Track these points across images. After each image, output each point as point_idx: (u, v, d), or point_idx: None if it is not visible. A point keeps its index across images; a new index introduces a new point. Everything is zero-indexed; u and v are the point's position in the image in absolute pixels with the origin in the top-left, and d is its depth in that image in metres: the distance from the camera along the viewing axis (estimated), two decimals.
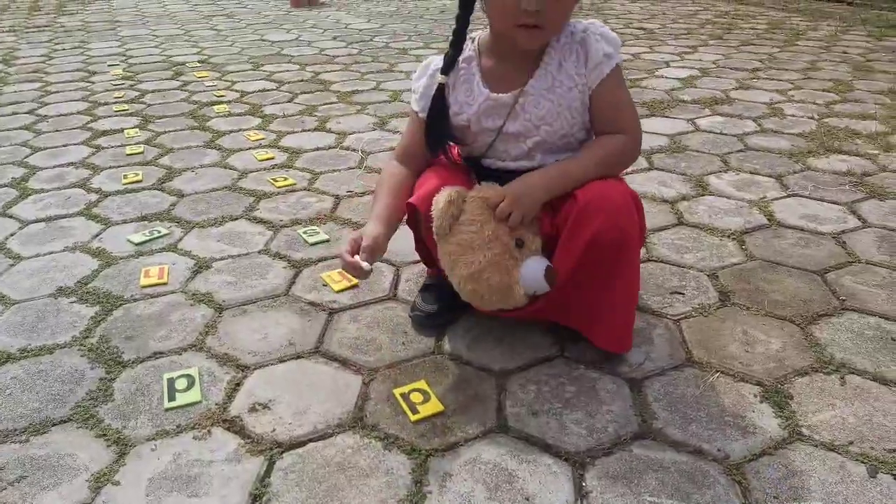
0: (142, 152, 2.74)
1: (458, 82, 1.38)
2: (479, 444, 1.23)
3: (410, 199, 1.37)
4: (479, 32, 1.42)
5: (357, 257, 1.30)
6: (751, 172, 2.42)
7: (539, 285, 1.30)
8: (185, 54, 4.56)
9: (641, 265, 1.80)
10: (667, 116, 3.06)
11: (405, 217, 1.43)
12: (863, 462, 1.18)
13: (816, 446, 1.21)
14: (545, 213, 1.35)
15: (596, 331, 1.42)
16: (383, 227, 1.36)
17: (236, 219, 2.15)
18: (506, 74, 1.33)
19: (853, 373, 1.40)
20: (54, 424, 1.30)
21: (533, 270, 1.29)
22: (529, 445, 1.23)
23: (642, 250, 1.88)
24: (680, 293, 1.68)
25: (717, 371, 1.41)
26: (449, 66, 1.36)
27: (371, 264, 1.30)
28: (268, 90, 3.67)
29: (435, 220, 1.30)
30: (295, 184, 2.40)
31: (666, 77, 3.73)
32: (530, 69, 1.32)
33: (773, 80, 3.64)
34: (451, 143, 1.46)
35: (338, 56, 4.47)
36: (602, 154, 1.34)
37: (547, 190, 1.31)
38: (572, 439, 1.24)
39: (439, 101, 1.37)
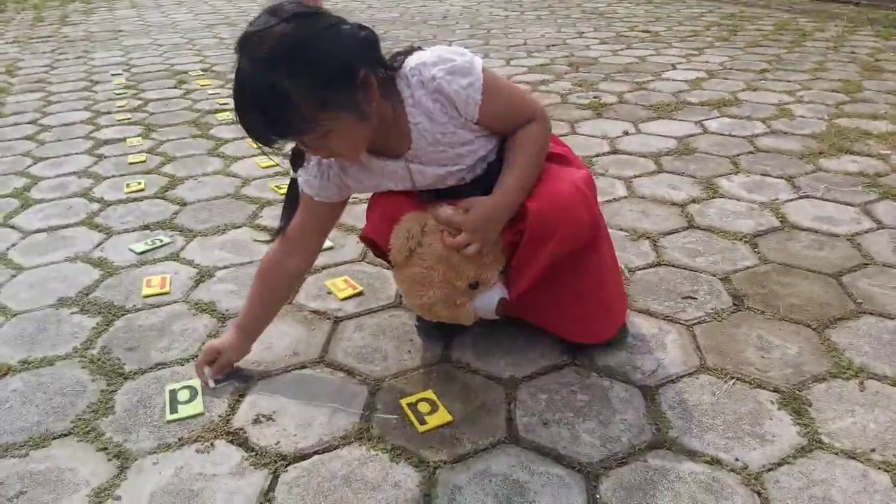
0: (144, 161, 2.72)
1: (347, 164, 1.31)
2: (488, 455, 1.20)
3: (365, 233, 1.37)
4: None
5: (206, 371, 1.38)
6: (761, 174, 2.38)
7: (490, 315, 1.33)
8: (188, 63, 4.56)
9: (652, 269, 1.77)
10: (674, 119, 3.03)
11: (369, 248, 1.42)
12: (886, 471, 1.14)
13: (837, 454, 1.18)
14: (506, 229, 1.30)
15: (565, 326, 1.42)
16: (241, 340, 1.41)
17: (239, 227, 2.12)
18: (387, 146, 1.25)
19: (872, 378, 1.36)
20: (55, 438, 1.28)
21: (486, 304, 1.32)
22: (541, 456, 1.20)
23: (653, 254, 1.85)
24: (692, 298, 1.65)
25: (733, 377, 1.37)
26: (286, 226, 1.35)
27: (221, 374, 1.40)
28: None
29: (392, 252, 1.29)
30: None
31: (672, 79, 3.70)
32: (406, 134, 1.24)
33: (780, 81, 3.60)
34: None
35: None
36: (532, 149, 1.28)
37: (507, 210, 1.26)
38: (585, 449, 1.21)
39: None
